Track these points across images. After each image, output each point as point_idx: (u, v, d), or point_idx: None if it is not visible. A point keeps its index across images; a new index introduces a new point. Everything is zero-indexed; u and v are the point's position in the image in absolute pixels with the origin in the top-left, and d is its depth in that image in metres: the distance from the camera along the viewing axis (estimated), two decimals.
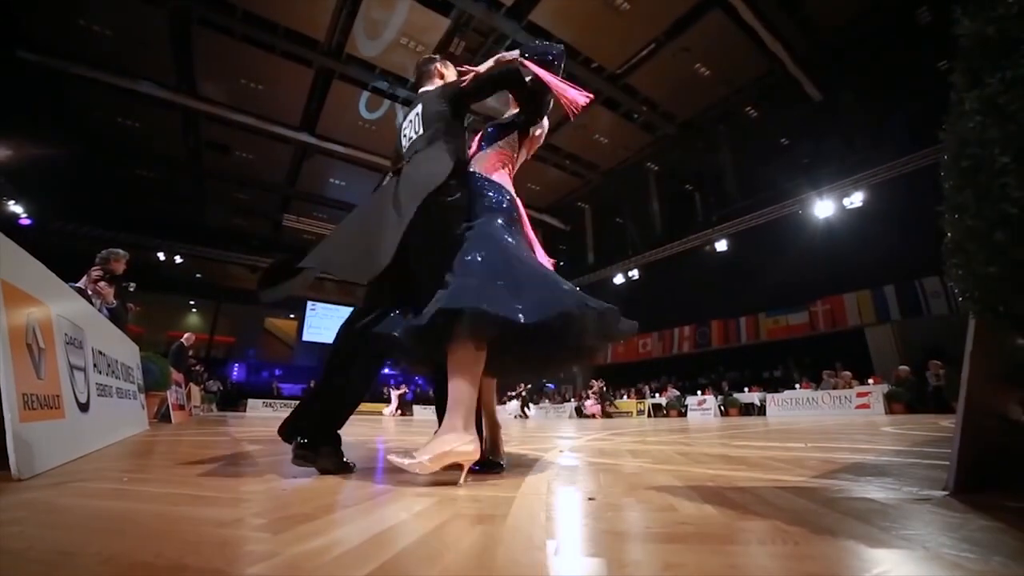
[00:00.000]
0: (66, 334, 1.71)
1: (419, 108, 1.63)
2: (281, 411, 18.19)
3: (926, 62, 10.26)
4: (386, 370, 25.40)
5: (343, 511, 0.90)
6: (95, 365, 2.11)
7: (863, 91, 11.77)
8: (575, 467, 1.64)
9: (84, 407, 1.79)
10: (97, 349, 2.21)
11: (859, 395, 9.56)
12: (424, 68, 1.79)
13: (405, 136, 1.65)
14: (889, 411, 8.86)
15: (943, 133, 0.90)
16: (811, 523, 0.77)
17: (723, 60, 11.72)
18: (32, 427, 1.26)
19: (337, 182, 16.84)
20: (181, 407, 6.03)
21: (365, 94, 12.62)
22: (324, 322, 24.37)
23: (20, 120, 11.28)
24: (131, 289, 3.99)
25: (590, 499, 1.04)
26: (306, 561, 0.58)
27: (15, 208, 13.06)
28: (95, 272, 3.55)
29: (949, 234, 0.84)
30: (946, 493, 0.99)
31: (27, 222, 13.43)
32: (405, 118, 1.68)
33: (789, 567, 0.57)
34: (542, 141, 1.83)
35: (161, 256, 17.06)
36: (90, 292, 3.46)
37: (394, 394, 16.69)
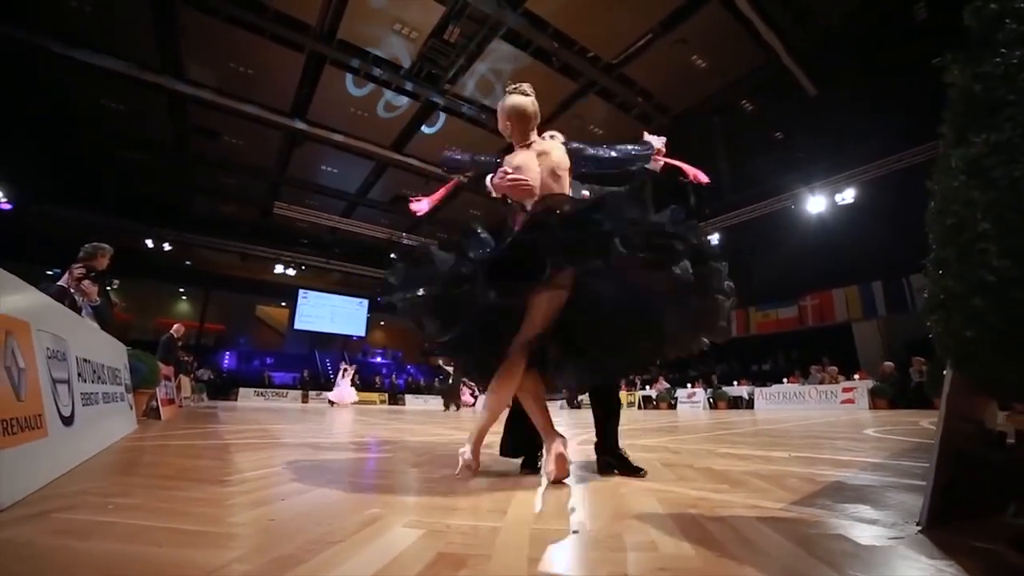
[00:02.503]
0: (48, 348, 1.69)
1: None
2: (272, 400, 18.09)
3: (921, 59, 10.23)
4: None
5: (331, 549, 0.91)
6: (80, 374, 2.08)
7: (858, 87, 11.77)
8: (563, 485, 1.66)
9: (68, 420, 1.77)
10: (81, 357, 2.18)
11: (844, 390, 9.77)
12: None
13: None
14: (873, 406, 9.07)
15: (928, 183, 0.91)
16: (786, 570, 0.79)
17: (719, 52, 11.62)
18: (13, 452, 1.25)
19: (329, 169, 16.59)
20: (171, 401, 6.01)
21: (360, 82, 12.35)
22: (316, 310, 24.25)
23: None
24: (115, 286, 3.91)
25: (574, 532, 1.06)
26: None
27: None
28: (78, 270, 3.47)
29: (929, 290, 0.85)
30: (919, 529, 1.02)
31: (6, 206, 13.11)
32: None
33: None
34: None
35: (150, 243, 16.83)
36: (73, 290, 3.40)
37: (345, 379, 13.29)
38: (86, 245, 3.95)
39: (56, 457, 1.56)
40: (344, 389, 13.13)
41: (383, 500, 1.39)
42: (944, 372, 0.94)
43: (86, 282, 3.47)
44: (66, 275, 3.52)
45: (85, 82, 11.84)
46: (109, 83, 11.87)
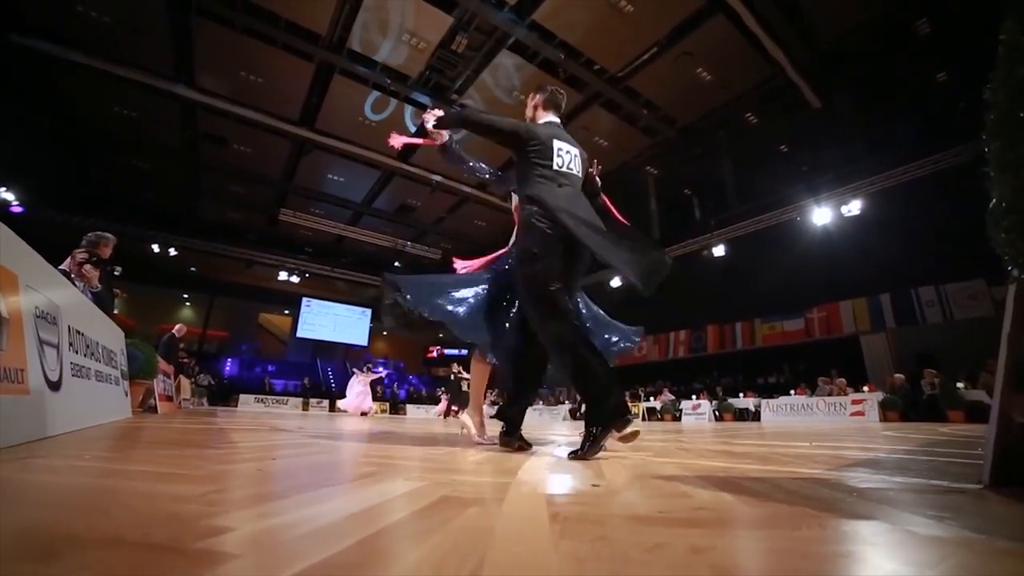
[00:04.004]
0: (37, 307, 1.61)
1: (577, 152, 2.01)
2: (273, 407, 17.84)
3: (925, 73, 10.32)
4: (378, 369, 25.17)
5: (323, 490, 0.81)
6: (71, 344, 2.00)
7: (862, 100, 11.80)
8: (574, 456, 1.55)
9: (55, 385, 1.68)
10: (75, 328, 2.10)
11: (854, 402, 9.52)
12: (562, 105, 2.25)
13: (561, 156, 1.92)
14: (884, 419, 8.82)
15: (988, 92, 0.83)
16: (844, 510, 0.69)
17: (725, 65, 11.70)
18: None
19: (335, 178, 16.70)
20: (169, 398, 5.89)
21: (368, 91, 12.52)
22: (318, 319, 24.14)
23: (12, 106, 11.12)
24: (116, 273, 3.85)
25: (595, 485, 0.95)
26: (267, 537, 0.49)
27: (6, 195, 12.88)
28: (80, 254, 3.42)
29: (996, 197, 0.77)
30: (981, 486, 0.91)
31: (18, 210, 13.24)
32: (559, 139, 1.96)
33: (837, 551, 0.49)
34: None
35: (155, 248, 16.89)
36: (73, 275, 3.34)
37: (361, 384, 10.83)
38: (89, 234, 3.91)
39: (38, 417, 1.47)
40: (353, 394, 10.64)
41: (382, 463, 1.28)
42: (1008, 299, 0.84)
43: (87, 266, 3.41)
44: (68, 259, 3.47)
45: (99, 89, 12.05)
46: (122, 90, 12.07)
